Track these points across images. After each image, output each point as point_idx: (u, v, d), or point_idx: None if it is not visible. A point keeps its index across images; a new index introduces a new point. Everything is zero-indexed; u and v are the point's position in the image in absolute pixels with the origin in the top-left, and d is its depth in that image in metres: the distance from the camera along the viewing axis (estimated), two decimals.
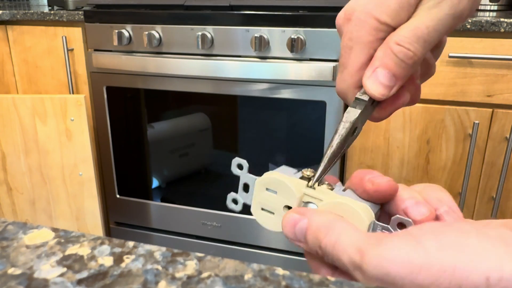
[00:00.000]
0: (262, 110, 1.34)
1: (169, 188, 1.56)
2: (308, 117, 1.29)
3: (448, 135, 1.21)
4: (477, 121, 1.15)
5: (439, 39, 0.30)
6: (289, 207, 0.30)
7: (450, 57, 1.12)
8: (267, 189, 0.30)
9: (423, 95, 1.18)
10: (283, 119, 1.33)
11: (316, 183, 0.30)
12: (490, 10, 1.36)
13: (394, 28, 0.29)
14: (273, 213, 0.30)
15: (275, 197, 0.30)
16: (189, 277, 0.19)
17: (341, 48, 0.32)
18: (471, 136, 1.16)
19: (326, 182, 0.30)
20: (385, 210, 0.29)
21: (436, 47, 0.36)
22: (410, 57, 0.29)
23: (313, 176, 0.30)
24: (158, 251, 0.21)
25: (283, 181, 0.29)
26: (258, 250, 1.47)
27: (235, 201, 0.32)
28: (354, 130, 0.31)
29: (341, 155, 0.31)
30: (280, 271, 0.20)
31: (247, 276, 0.19)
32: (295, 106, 1.28)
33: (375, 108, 0.32)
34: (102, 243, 0.22)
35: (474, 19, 1.10)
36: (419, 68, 0.35)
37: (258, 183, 0.30)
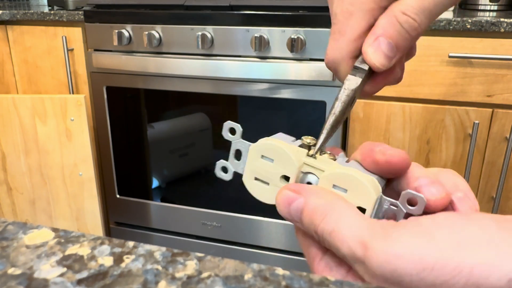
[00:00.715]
0: (262, 110, 1.34)
1: (169, 188, 1.56)
2: (308, 117, 1.28)
3: (448, 135, 1.21)
4: (477, 121, 1.15)
5: (442, 13, 0.28)
6: (287, 178, 0.27)
7: (450, 57, 1.12)
8: (262, 156, 0.27)
9: (423, 95, 1.18)
10: (283, 119, 1.33)
11: (318, 152, 0.27)
12: (490, 10, 1.36)
13: None
14: (267, 184, 0.27)
15: (271, 165, 0.27)
16: (189, 277, 0.19)
17: (336, 13, 0.29)
18: (471, 136, 1.16)
19: (328, 152, 0.28)
20: (393, 187, 0.27)
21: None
22: (414, 28, 0.28)
23: (314, 144, 0.27)
24: (158, 251, 0.21)
25: (282, 147, 0.27)
26: (258, 250, 1.47)
27: (224, 169, 0.29)
28: (353, 99, 0.29)
29: (341, 124, 0.29)
30: (280, 271, 0.20)
31: (247, 276, 0.19)
32: (295, 106, 1.28)
33: (368, 82, 0.30)
34: (102, 243, 0.22)
35: (474, 19, 1.10)
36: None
37: (253, 149, 0.28)
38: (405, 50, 0.29)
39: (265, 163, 0.27)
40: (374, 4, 0.28)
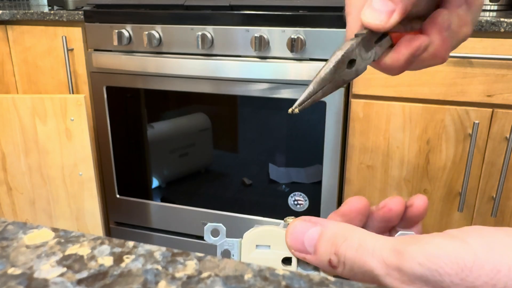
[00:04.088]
0: (262, 110, 1.34)
1: (169, 188, 1.56)
2: (308, 117, 1.28)
3: (448, 135, 1.21)
4: (477, 121, 1.15)
5: None
6: (288, 260, 0.26)
7: (450, 57, 1.12)
8: (257, 246, 0.26)
9: (423, 95, 1.18)
10: (283, 119, 1.33)
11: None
12: (490, 10, 1.36)
13: None
14: None
15: (269, 252, 0.26)
16: (189, 277, 0.19)
17: None
18: (471, 136, 1.16)
19: None
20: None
21: (468, 4, 0.32)
22: None
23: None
24: (158, 251, 0.21)
25: (275, 229, 0.26)
26: None
27: (215, 232, 0.28)
28: (350, 62, 0.28)
29: (334, 86, 0.28)
30: (280, 271, 0.20)
31: (247, 276, 0.19)
32: None
33: (388, 52, 0.29)
34: (102, 243, 0.21)
35: None
36: (447, 18, 0.31)
37: (246, 241, 0.26)
38: (407, 4, 0.27)
39: (261, 252, 0.26)
40: None
